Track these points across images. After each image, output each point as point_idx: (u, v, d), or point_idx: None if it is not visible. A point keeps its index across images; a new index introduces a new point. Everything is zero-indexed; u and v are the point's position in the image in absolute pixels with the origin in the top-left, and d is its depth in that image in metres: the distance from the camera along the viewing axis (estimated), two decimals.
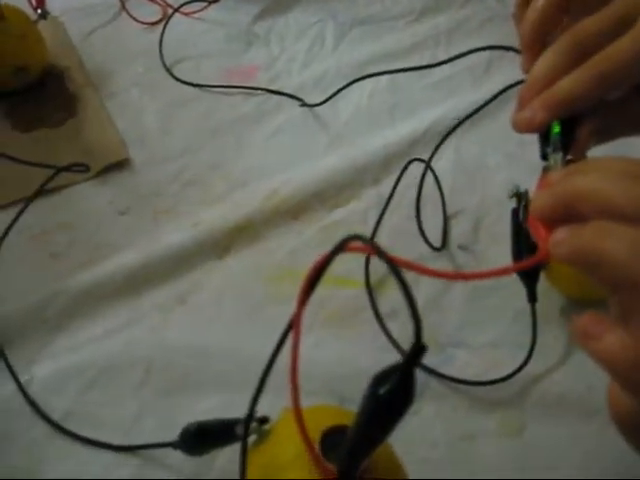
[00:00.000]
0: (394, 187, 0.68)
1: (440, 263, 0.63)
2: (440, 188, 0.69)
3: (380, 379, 0.30)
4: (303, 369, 0.46)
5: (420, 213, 0.67)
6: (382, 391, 0.29)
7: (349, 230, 0.64)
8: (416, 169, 0.70)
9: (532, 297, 0.55)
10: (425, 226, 0.66)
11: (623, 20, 0.40)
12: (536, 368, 0.55)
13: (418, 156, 0.71)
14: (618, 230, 0.28)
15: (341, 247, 0.29)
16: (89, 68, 0.87)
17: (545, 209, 0.32)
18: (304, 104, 0.80)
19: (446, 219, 0.67)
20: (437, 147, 0.72)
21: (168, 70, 0.86)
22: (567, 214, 0.31)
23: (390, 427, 0.31)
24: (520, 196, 0.55)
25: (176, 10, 0.94)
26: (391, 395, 0.29)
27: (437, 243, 0.64)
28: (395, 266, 0.28)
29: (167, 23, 0.92)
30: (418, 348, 0.28)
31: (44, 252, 0.64)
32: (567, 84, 0.40)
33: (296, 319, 0.31)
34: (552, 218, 0.32)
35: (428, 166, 0.69)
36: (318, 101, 0.79)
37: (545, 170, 0.47)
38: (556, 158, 0.42)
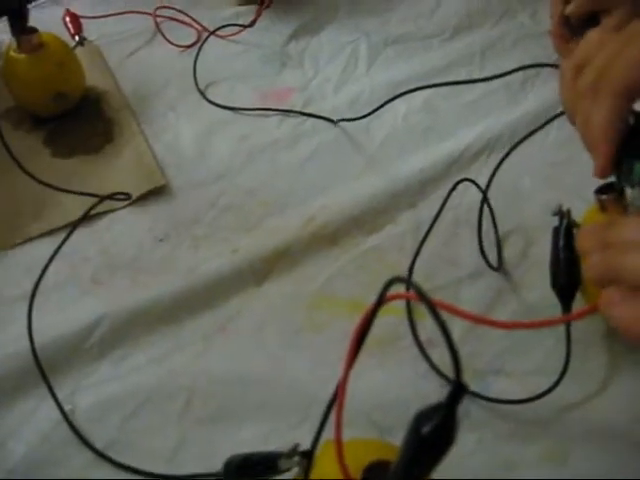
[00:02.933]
0: (439, 211, 0.68)
1: (478, 287, 0.63)
2: (491, 210, 0.68)
3: (422, 417, 0.30)
4: None
5: (481, 233, 0.66)
6: (424, 430, 0.29)
7: (385, 256, 0.65)
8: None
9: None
10: (462, 250, 0.66)
11: None
12: (578, 395, 0.55)
13: (454, 178, 0.71)
14: None
15: (382, 298, 0.30)
16: (126, 92, 0.88)
17: (584, 246, 0.36)
18: (342, 119, 0.80)
19: (499, 240, 0.66)
20: (494, 171, 0.71)
21: (202, 94, 0.86)
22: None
23: (432, 465, 0.31)
24: (563, 215, 0.55)
25: (211, 33, 0.95)
26: (433, 434, 0.29)
27: (474, 266, 0.64)
28: (436, 311, 0.28)
29: (202, 47, 0.93)
30: (459, 388, 0.29)
31: (85, 279, 0.65)
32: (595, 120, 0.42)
33: (342, 383, 0.31)
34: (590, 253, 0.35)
35: (485, 196, 0.68)
36: (352, 123, 0.80)
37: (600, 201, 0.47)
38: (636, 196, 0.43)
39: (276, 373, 0.57)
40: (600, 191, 0.50)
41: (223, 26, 0.96)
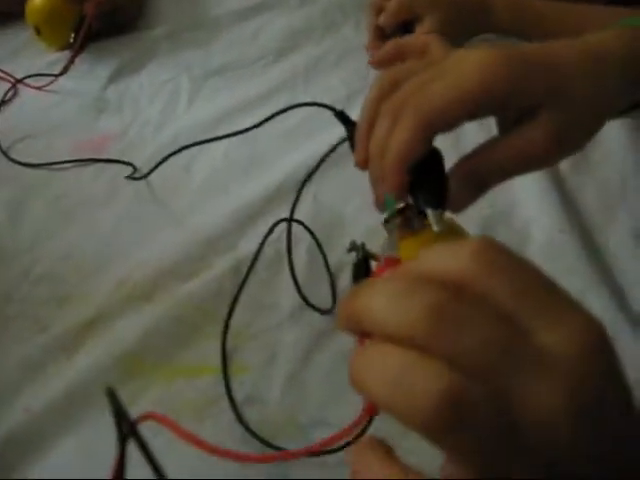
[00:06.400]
0: (255, 256, 0.65)
1: (299, 329, 0.60)
2: (319, 244, 0.66)
3: None
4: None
5: (295, 274, 0.63)
6: None
7: (202, 302, 0.62)
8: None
9: None
10: (285, 288, 0.63)
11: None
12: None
13: (275, 212, 0.69)
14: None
15: None
16: None
17: (343, 324, 0.31)
18: (131, 176, 0.77)
19: (332, 276, 0.64)
20: (294, 204, 0.69)
21: (6, 155, 0.81)
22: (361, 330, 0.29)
23: None
24: (357, 250, 0.54)
25: (18, 82, 0.91)
26: None
27: (296, 306, 0.62)
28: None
29: (3, 99, 0.89)
30: None
31: None
32: (395, 143, 0.41)
33: None
34: (352, 331, 0.31)
35: (290, 222, 0.67)
36: (171, 167, 0.76)
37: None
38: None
39: None
40: (387, 222, 0.49)
41: (28, 76, 0.92)
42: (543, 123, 0.41)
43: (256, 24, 0.99)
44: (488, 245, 0.27)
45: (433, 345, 0.25)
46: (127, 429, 0.28)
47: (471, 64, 0.40)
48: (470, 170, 0.43)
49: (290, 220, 0.66)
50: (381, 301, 0.28)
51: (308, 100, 0.84)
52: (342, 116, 0.55)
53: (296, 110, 0.80)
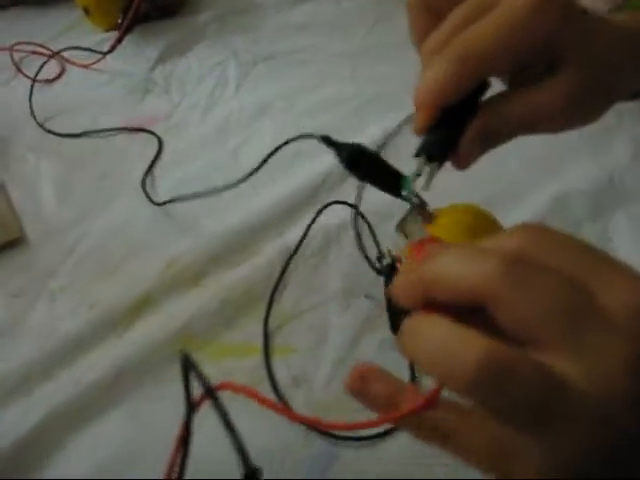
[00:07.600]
0: (302, 237, 0.66)
1: (348, 314, 0.60)
2: (371, 228, 0.67)
3: None
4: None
5: (365, 250, 0.65)
6: None
7: (251, 287, 0.62)
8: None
9: (395, 329, 0.52)
10: (332, 273, 0.63)
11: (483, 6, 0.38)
12: None
13: (323, 200, 0.69)
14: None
15: None
16: None
17: (405, 294, 0.31)
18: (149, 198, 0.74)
19: (381, 251, 0.64)
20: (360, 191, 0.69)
21: (42, 126, 0.83)
22: (428, 301, 0.30)
23: None
24: (384, 256, 0.53)
25: (51, 57, 0.93)
26: None
27: (343, 290, 0.62)
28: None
29: (38, 75, 0.90)
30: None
31: None
32: (430, 74, 0.37)
33: None
34: (414, 301, 0.31)
35: (358, 212, 0.68)
36: (221, 150, 0.76)
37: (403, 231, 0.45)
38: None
39: None
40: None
41: (72, 48, 0.93)
42: (563, 81, 0.38)
43: (305, 11, 0.99)
44: (537, 225, 0.29)
45: (507, 297, 0.27)
46: (205, 393, 0.28)
47: (518, 5, 0.38)
48: (479, 124, 0.39)
49: (355, 206, 0.67)
50: (453, 262, 0.29)
51: (356, 88, 0.85)
52: (328, 141, 0.52)
53: (344, 102, 0.82)
